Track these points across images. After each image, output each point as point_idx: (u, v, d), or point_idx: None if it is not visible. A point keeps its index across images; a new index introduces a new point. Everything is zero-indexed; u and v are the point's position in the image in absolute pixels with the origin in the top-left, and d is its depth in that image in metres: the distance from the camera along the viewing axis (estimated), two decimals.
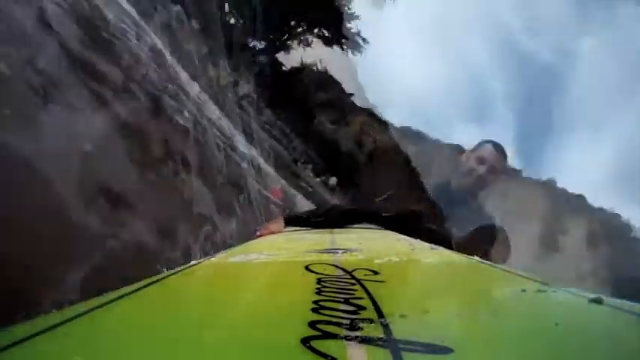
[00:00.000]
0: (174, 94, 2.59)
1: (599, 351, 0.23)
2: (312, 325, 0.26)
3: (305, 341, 0.23)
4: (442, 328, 0.25)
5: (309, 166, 6.56)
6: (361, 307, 0.30)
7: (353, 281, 0.39)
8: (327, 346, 0.22)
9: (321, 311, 0.29)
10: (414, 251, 0.67)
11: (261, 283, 0.45)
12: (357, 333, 0.24)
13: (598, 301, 0.31)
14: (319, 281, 0.40)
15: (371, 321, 0.27)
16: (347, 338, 0.23)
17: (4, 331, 0.25)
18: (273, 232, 1.25)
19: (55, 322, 0.27)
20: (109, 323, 0.28)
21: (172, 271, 0.47)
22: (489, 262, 0.52)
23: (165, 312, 0.31)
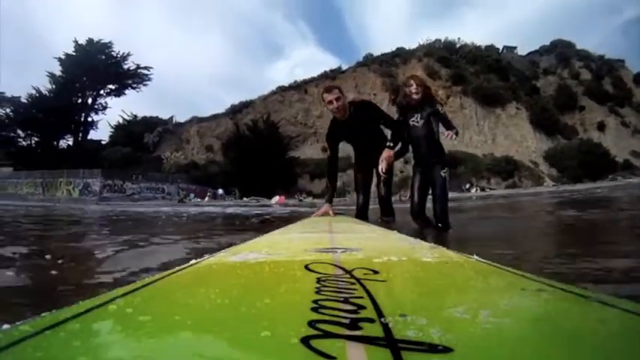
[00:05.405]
0: None
1: (599, 350, 0.23)
2: (312, 324, 0.26)
3: (305, 340, 0.23)
4: (442, 327, 0.25)
5: None
6: (361, 307, 0.30)
7: (353, 280, 0.39)
8: (327, 345, 0.22)
9: (321, 310, 0.29)
10: (413, 250, 0.67)
11: (261, 282, 0.45)
12: (357, 332, 0.24)
13: (598, 301, 0.31)
14: (319, 280, 0.40)
15: (371, 320, 0.27)
16: (347, 338, 0.23)
17: (4, 331, 0.25)
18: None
19: (55, 322, 0.27)
20: (109, 322, 0.28)
21: (173, 270, 0.47)
22: (489, 261, 0.52)
23: (166, 311, 0.31)
